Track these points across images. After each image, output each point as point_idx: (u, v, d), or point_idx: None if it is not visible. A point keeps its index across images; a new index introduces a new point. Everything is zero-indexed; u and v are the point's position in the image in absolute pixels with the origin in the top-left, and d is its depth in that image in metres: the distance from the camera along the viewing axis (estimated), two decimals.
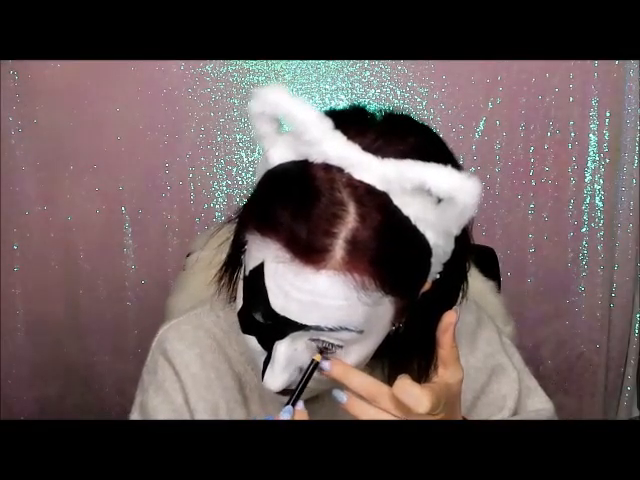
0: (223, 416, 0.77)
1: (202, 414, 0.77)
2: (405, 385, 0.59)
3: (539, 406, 0.85)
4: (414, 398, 0.58)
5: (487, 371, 0.82)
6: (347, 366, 0.62)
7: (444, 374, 0.63)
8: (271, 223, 0.58)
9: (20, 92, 1.65)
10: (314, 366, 0.62)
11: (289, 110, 0.57)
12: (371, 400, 0.60)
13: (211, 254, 0.77)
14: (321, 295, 0.57)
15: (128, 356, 1.78)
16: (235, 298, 0.73)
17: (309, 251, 0.56)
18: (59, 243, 1.74)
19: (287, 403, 0.62)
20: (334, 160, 0.57)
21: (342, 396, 0.61)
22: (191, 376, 0.78)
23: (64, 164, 1.70)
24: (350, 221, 0.56)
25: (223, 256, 0.73)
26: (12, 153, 1.68)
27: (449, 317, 0.63)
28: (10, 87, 1.64)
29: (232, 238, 0.70)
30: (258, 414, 0.78)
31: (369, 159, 0.57)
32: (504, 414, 0.82)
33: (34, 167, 1.70)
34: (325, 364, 0.62)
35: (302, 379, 0.62)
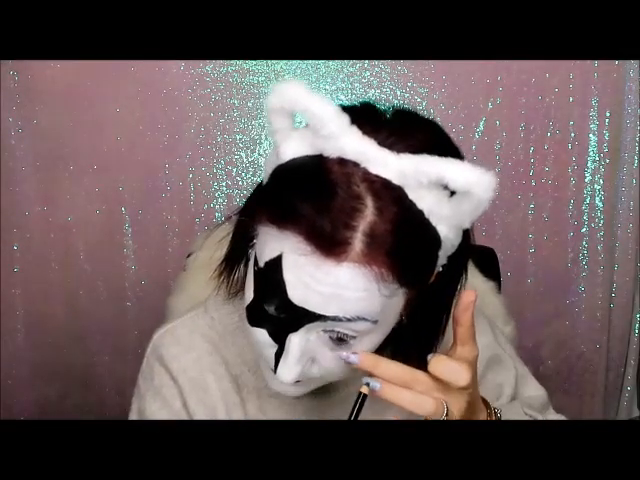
0: (222, 418, 0.77)
1: (201, 418, 0.77)
2: (442, 360, 0.61)
3: (533, 393, 0.87)
4: (454, 372, 0.60)
5: (483, 362, 0.83)
6: (376, 356, 0.63)
7: (462, 351, 0.64)
8: (291, 216, 0.58)
9: (20, 92, 1.65)
10: (362, 400, 0.62)
11: (307, 105, 0.57)
12: (405, 386, 0.62)
13: (210, 253, 0.77)
14: (343, 287, 0.58)
15: (128, 356, 1.78)
16: (235, 294, 0.74)
17: (331, 244, 0.56)
18: (59, 243, 1.74)
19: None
20: (351, 155, 0.58)
21: (375, 384, 0.62)
22: (189, 380, 0.78)
23: (64, 164, 1.70)
24: (368, 214, 0.57)
25: (223, 252, 0.73)
26: (12, 153, 1.68)
27: (468, 296, 0.64)
28: (10, 87, 1.64)
29: (233, 233, 0.70)
30: (255, 415, 0.78)
31: (385, 154, 0.58)
32: (502, 401, 0.83)
33: (34, 167, 1.70)
34: (353, 357, 0.62)
35: (352, 414, 0.62)
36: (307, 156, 0.60)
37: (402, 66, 1.73)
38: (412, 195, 0.58)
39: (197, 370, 0.78)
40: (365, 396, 0.62)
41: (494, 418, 0.70)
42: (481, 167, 0.56)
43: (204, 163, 1.75)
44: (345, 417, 0.63)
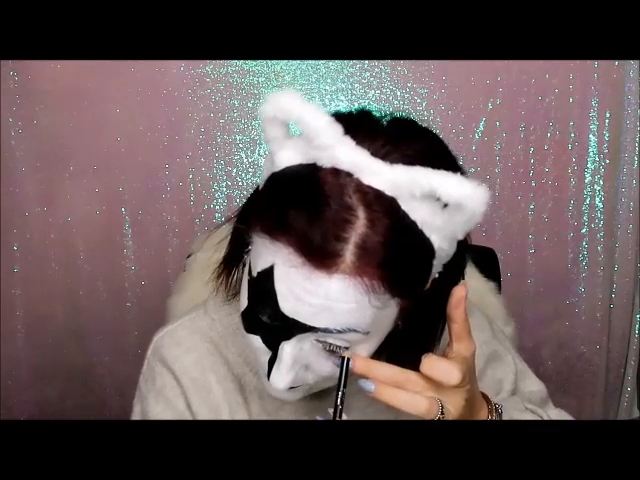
0: (226, 419, 0.77)
1: (205, 418, 0.77)
2: (432, 361, 0.61)
3: (533, 388, 0.87)
4: (444, 371, 0.61)
5: (483, 358, 0.84)
6: (368, 360, 0.63)
7: (459, 348, 0.64)
8: (283, 227, 0.58)
9: (20, 92, 1.65)
10: (347, 364, 0.62)
11: (301, 115, 0.57)
12: (399, 387, 0.62)
13: (209, 254, 0.77)
14: (334, 299, 0.58)
15: (128, 357, 1.78)
16: (233, 296, 0.74)
17: (322, 256, 0.56)
18: (59, 244, 1.74)
19: (334, 418, 0.62)
20: (344, 165, 0.58)
21: (370, 385, 0.62)
22: (191, 381, 0.78)
23: (64, 165, 1.70)
24: (360, 226, 0.57)
25: (222, 254, 0.73)
26: (12, 154, 1.68)
27: (459, 291, 0.64)
28: (10, 87, 1.65)
29: (230, 237, 0.71)
30: (259, 415, 0.78)
31: (378, 165, 0.58)
32: (502, 396, 0.84)
33: (34, 168, 1.70)
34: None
35: (340, 383, 0.62)
36: (301, 165, 0.60)
37: (402, 67, 1.73)
38: (405, 206, 0.58)
39: (199, 371, 0.78)
40: (349, 360, 0.62)
41: (495, 414, 0.70)
42: (475, 180, 0.56)
43: (204, 164, 1.75)
44: (346, 416, 0.63)
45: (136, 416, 0.81)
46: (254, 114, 1.73)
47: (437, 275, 0.64)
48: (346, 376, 0.62)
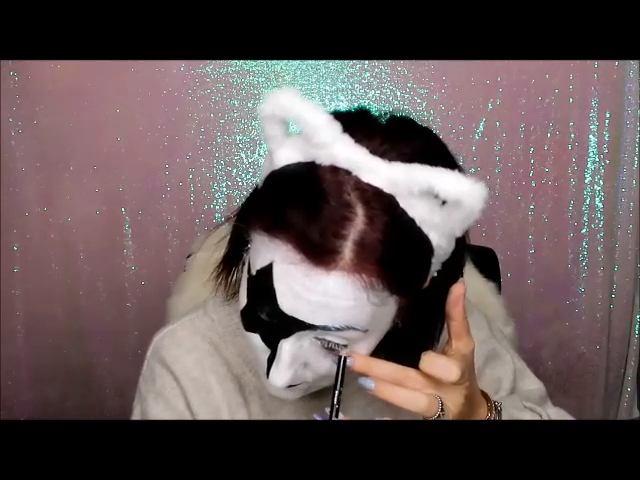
0: (226, 419, 0.77)
1: (205, 418, 0.77)
2: (431, 358, 0.62)
3: (532, 387, 0.87)
4: (443, 368, 0.61)
5: (482, 356, 0.84)
6: (368, 357, 0.63)
7: (458, 345, 0.65)
8: (281, 224, 0.58)
9: (20, 93, 1.65)
10: (344, 363, 0.62)
11: (299, 113, 0.57)
12: (399, 385, 0.62)
13: (209, 254, 0.77)
14: (332, 296, 0.58)
15: (128, 357, 1.78)
16: (233, 295, 0.74)
17: (320, 253, 0.57)
18: (59, 244, 1.74)
19: (330, 417, 0.62)
20: (342, 163, 0.58)
21: (370, 383, 0.62)
22: (191, 381, 0.78)
23: (64, 165, 1.70)
24: (359, 223, 0.57)
25: (221, 254, 0.73)
26: (12, 154, 1.68)
27: (458, 289, 0.65)
28: (10, 88, 1.65)
29: (230, 236, 0.71)
30: (259, 415, 0.78)
31: (377, 162, 0.58)
32: (501, 395, 0.84)
33: (34, 168, 1.70)
34: (347, 360, 0.62)
35: (337, 382, 0.62)
36: (300, 163, 0.60)
37: (402, 67, 1.73)
38: (403, 203, 0.58)
39: (199, 371, 0.78)
40: (346, 359, 0.62)
41: (494, 412, 0.70)
42: (472, 178, 0.56)
43: (204, 164, 1.75)
44: (343, 415, 0.63)
45: (136, 417, 0.81)
46: (254, 114, 1.73)
47: (436, 273, 0.64)
48: (343, 375, 0.62)
